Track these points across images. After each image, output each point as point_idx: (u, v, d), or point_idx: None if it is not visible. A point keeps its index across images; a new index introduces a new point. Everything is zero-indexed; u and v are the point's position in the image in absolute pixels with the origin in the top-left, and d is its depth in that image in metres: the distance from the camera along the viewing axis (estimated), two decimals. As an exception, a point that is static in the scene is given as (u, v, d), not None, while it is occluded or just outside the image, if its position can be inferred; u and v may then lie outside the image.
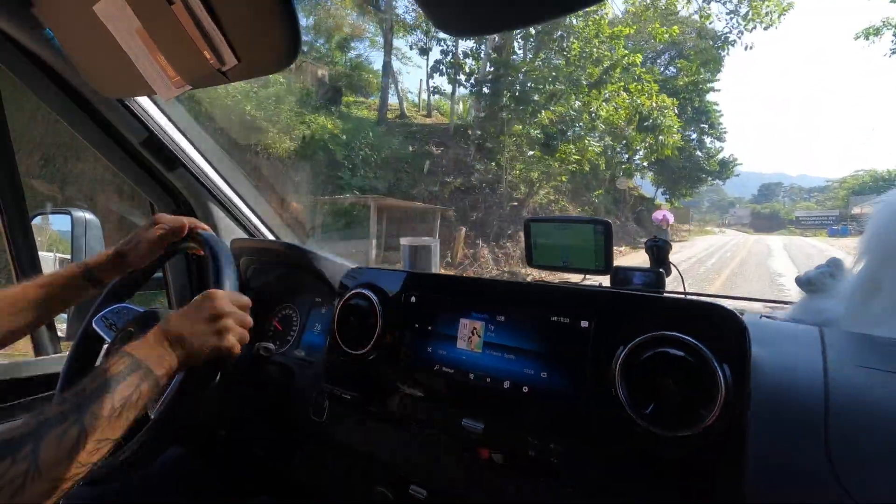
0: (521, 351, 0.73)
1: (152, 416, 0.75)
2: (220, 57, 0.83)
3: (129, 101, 1.20)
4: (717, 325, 0.59)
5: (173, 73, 0.91)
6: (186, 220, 0.91)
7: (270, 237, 1.53)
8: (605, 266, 1.06)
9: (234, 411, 1.00)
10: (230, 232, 1.43)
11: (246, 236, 1.47)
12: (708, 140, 27.28)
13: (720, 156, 28.41)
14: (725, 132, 27.31)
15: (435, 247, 1.25)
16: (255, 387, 1.04)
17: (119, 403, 0.54)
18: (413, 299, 0.87)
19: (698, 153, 26.85)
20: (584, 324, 0.68)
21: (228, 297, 0.73)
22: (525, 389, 0.71)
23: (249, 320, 0.75)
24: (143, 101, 1.23)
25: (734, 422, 0.56)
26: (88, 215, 1.44)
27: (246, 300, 0.76)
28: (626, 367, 0.62)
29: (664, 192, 28.87)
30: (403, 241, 1.25)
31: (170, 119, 1.28)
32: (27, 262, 1.24)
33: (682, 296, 1.03)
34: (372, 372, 0.89)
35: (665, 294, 0.96)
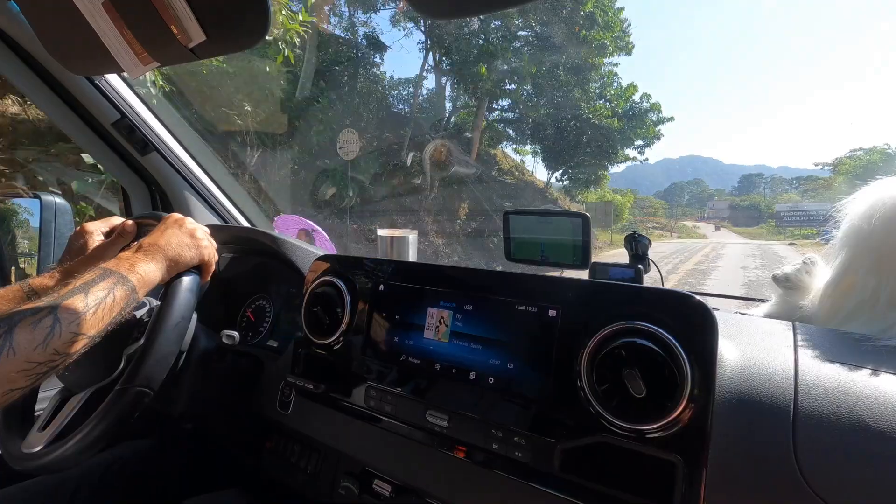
0: (487, 341, 0.71)
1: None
2: (187, 33, 0.81)
3: (100, 80, 1.17)
4: (685, 316, 0.57)
5: (140, 50, 0.88)
6: (117, 221, 0.91)
7: (246, 225, 1.49)
8: (584, 260, 1.04)
9: (201, 404, 0.97)
10: (204, 219, 1.39)
11: (220, 223, 1.43)
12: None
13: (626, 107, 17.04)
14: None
15: (413, 238, 1.22)
16: (223, 378, 1.01)
17: (93, 303, 0.57)
18: (381, 287, 0.84)
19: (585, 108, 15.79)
20: (552, 313, 0.66)
21: (186, 217, 0.80)
22: (490, 381, 0.69)
23: (213, 240, 0.83)
24: (115, 81, 1.19)
25: (698, 416, 0.54)
26: (59, 200, 1.40)
27: (203, 226, 0.83)
28: (593, 358, 0.60)
29: (560, 175, 19.06)
30: (381, 231, 1.22)
31: (142, 101, 1.25)
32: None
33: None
34: (338, 363, 0.86)
35: (636, 284, 0.94)
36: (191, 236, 0.75)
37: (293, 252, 1.11)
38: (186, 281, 0.76)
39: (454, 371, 0.72)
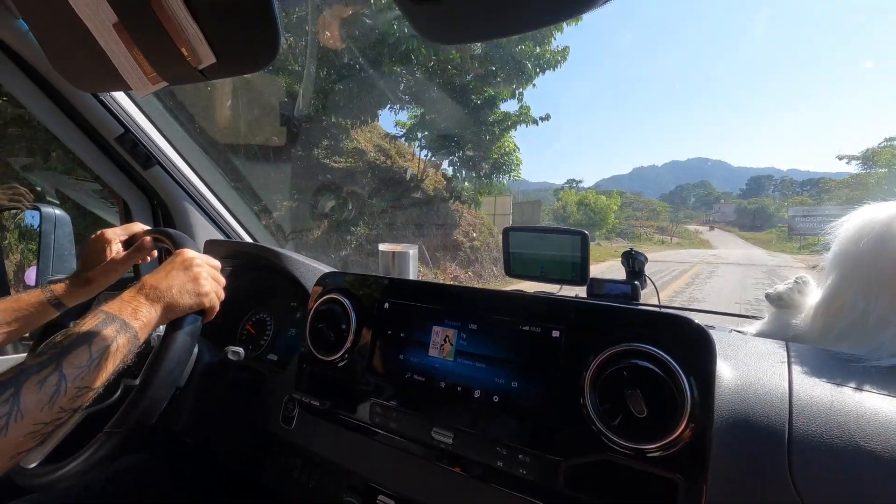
0: (492, 359, 0.73)
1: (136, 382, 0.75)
2: (197, 55, 0.82)
3: (104, 96, 1.18)
4: (685, 339, 0.60)
5: (149, 69, 0.89)
6: (138, 229, 0.90)
7: (248, 239, 1.50)
8: (582, 277, 1.07)
9: (203, 418, 0.97)
10: (206, 233, 1.40)
11: (222, 237, 1.44)
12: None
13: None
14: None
15: (414, 253, 1.24)
16: (225, 392, 1.02)
17: (96, 354, 0.56)
18: (386, 305, 0.86)
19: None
20: (556, 333, 0.68)
21: (197, 254, 0.77)
22: (495, 399, 0.71)
23: (222, 279, 0.79)
24: (119, 96, 1.21)
25: (698, 436, 0.56)
26: (58, 212, 1.40)
27: (216, 261, 0.80)
28: (596, 379, 0.62)
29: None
30: (382, 246, 1.24)
31: (146, 116, 1.26)
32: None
33: (656, 308, 1.04)
34: (343, 379, 0.87)
35: (637, 306, 0.97)
36: (194, 281, 0.73)
37: (296, 267, 1.12)
38: (187, 326, 0.75)
39: (459, 389, 0.74)
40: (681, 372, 0.57)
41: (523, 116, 11.75)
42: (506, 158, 12.23)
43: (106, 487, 1.01)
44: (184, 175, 1.34)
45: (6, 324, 0.79)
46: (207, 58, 0.87)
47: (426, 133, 11.98)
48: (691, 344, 0.59)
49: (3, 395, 0.48)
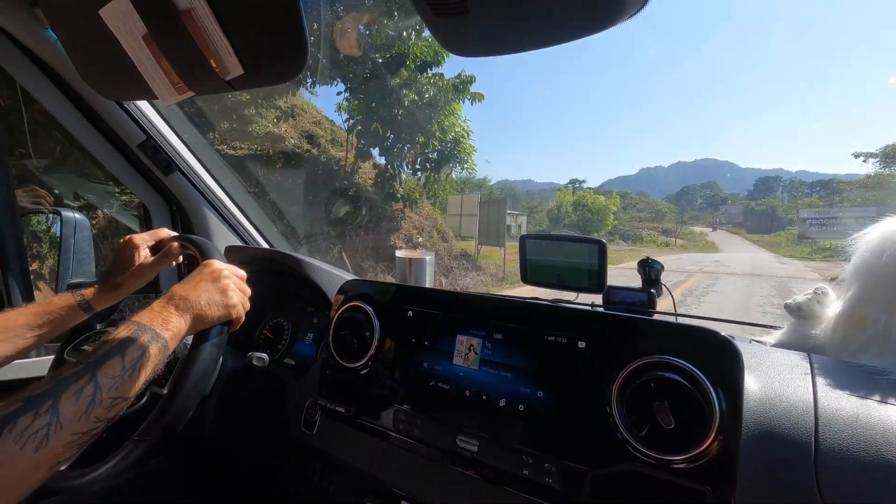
0: (517, 369, 0.74)
1: (164, 392, 0.76)
2: (225, 66, 0.84)
3: (128, 103, 1.20)
4: (712, 351, 0.61)
5: (177, 80, 0.91)
6: (165, 234, 0.92)
7: (264, 245, 1.52)
8: (599, 284, 1.08)
9: (225, 423, 0.99)
10: (224, 238, 1.42)
11: (240, 243, 1.46)
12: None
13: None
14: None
15: (431, 260, 1.25)
16: (247, 397, 1.03)
17: (129, 364, 0.57)
18: (410, 313, 0.87)
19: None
20: (581, 344, 0.69)
21: (224, 265, 0.78)
22: (521, 408, 0.72)
23: (248, 289, 0.81)
24: (142, 103, 1.22)
25: (726, 448, 0.57)
26: (78, 216, 1.42)
27: (241, 272, 0.81)
28: (623, 390, 0.63)
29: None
30: (399, 253, 1.25)
31: (168, 123, 1.28)
32: (14, 260, 1.21)
33: (674, 318, 1.05)
34: (366, 386, 0.88)
35: (660, 317, 0.97)
36: (222, 293, 0.74)
37: (317, 274, 1.14)
38: (213, 337, 0.76)
39: (484, 397, 0.75)
40: (708, 384, 0.58)
41: (460, 87, 9.40)
42: (454, 147, 9.95)
43: (129, 490, 1.03)
44: (202, 181, 1.36)
45: (38, 327, 0.80)
46: (235, 69, 0.89)
47: (359, 117, 9.56)
48: (718, 356, 0.60)
49: (44, 406, 0.48)
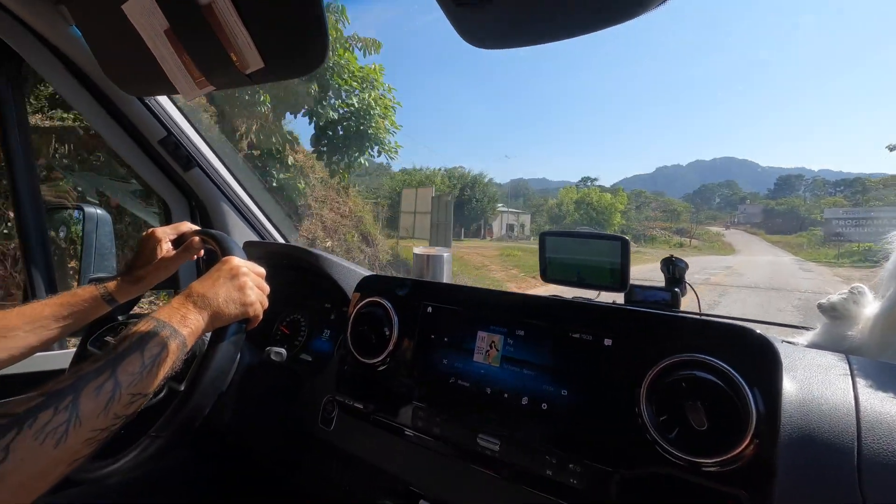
0: (540, 367, 0.72)
1: (181, 388, 0.75)
2: (245, 59, 0.84)
3: (149, 99, 1.21)
4: (747, 350, 0.58)
5: (198, 74, 0.91)
6: (186, 228, 0.92)
7: (280, 240, 1.52)
8: (622, 283, 1.05)
9: (242, 418, 0.99)
10: (242, 234, 1.42)
11: (257, 239, 1.46)
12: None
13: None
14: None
15: (448, 257, 1.24)
16: (264, 392, 1.03)
17: (149, 361, 0.57)
18: (429, 309, 0.86)
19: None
20: (607, 342, 0.67)
21: (244, 262, 0.77)
22: (544, 406, 0.70)
23: (266, 287, 0.80)
24: (163, 100, 1.23)
25: (763, 452, 0.54)
26: (100, 212, 1.44)
27: (261, 269, 0.80)
28: (652, 389, 0.61)
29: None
30: (416, 250, 1.24)
31: (188, 119, 1.29)
32: (39, 253, 1.23)
33: (699, 316, 1.02)
34: (384, 382, 0.87)
35: (691, 315, 0.95)
36: (240, 290, 0.73)
37: (334, 269, 1.13)
38: (231, 336, 0.75)
39: (506, 395, 0.74)
40: (744, 384, 0.56)
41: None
42: (361, 119, 7.10)
43: (146, 483, 1.03)
44: (221, 177, 1.36)
45: (62, 318, 0.81)
46: (255, 63, 0.89)
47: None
48: (754, 355, 0.57)
49: (64, 402, 0.48)
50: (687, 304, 1.08)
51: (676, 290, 1.06)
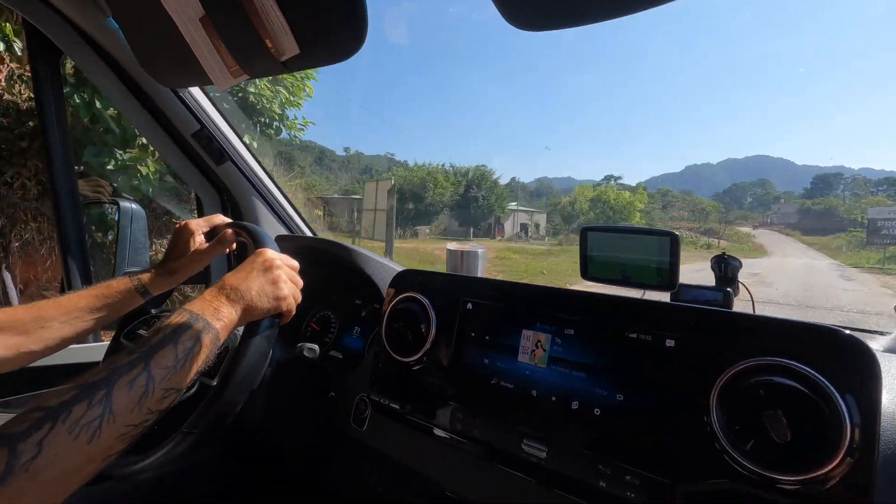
0: (592, 368, 0.67)
1: (213, 383, 0.76)
2: (281, 46, 0.81)
3: (183, 92, 1.20)
4: (837, 354, 0.52)
5: (232, 63, 0.90)
6: (219, 221, 0.90)
7: (308, 233, 1.51)
8: (670, 281, 0.99)
9: (273, 415, 0.97)
10: (272, 228, 1.41)
11: (286, 233, 1.45)
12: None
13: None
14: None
15: (483, 253, 1.19)
16: (293, 390, 1.01)
17: (182, 354, 0.55)
18: (469, 306, 0.81)
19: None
20: (669, 343, 0.61)
21: (277, 255, 0.75)
22: (597, 412, 0.65)
23: (300, 281, 0.78)
24: (197, 93, 1.23)
25: (858, 469, 0.48)
26: (134, 206, 1.45)
27: (294, 262, 0.78)
28: (724, 395, 0.55)
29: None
30: (450, 246, 1.20)
31: (220, 112, 1.28)
32: (76, 246, 1.25)
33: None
34: (421, 382, 0.83)
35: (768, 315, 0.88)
36: (273, 284, 0.71)
37: (368, 264, 1.10)
38: (264, 330, 0.73)
39: (553, 399, 0.68)
40: (835, 392, 0.49)
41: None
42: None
43: (175, 477, 1.02)
44: (253, 171, 1.35)
45: (97, 310, 0.80)
46: (291, 49, 0.86)
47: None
48: (846, 360, 0.51)
49: (97, 396, 0.46)
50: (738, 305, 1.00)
51: (729, 289, 0.99)
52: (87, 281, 1.25)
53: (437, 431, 0.80)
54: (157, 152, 2.91)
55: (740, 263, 1.04)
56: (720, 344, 0.58)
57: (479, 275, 1.20)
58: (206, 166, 1.32)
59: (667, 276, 0.99)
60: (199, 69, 0.91)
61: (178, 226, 0.89)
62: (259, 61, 0.87)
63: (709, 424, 0.55)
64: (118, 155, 2.89)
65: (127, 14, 0.98)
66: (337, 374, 1.07)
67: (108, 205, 1.52)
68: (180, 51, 0.89)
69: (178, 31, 0.87)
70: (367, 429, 0.93)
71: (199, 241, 0.88)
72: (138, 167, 3.14)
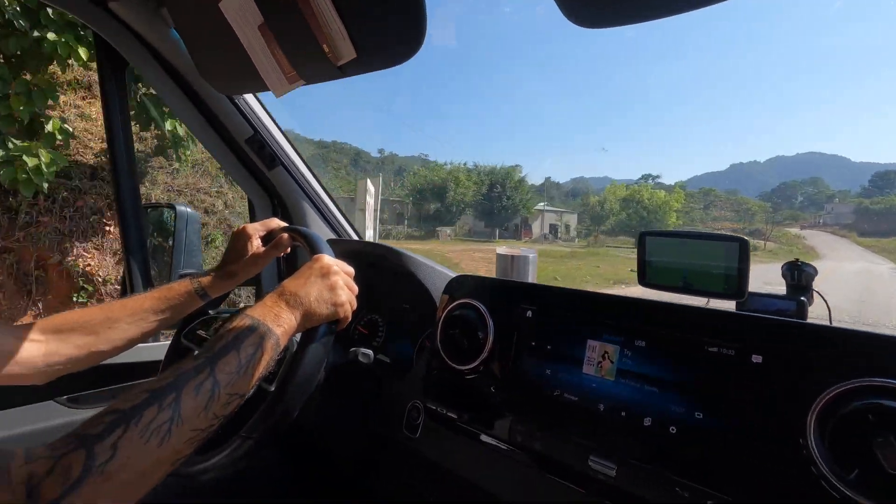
0: (666, 384, 0.63)
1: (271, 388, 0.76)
2: (338, 51, 0.81)
3: (238, 99, 1.23)
4: None
5: (289, 69, 0.91)
6: (275, 225, 0.91)
7: (355, 237, 1.52)
8: (738, 290, 0.93)
9: (324, 418, 0.97)
10: (321, 232, 1.43)
11: (334, 237, 1.46)
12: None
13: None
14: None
15: (534, 258, 1.16)
16: (345, 394, 1.01)
17: (245, 360, 0.56)
18: (529, 314, 0.79)
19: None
20: (756, 359, 0.57)
21: (334, 261, 0.75)
22: (672, 430, 0.61)
23: (355, 287, 0.77)
24: (251, 100, 1.26)
25: None
26: (189, 210, 1.50)
27: (350, 268, 0.78)
28: (825, 418, 0.50)
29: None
30: (500, 250, 1.18)
31: (273, 119, 1.30)
32: (137, 249, 1.30)
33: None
34: (477, 390, 0.81)
35: (871, 330, 0.81)
36: (331, 290, 0.71)
37: (420, 269, 1.09)
38: (321, 337, 0.73)
39: (623, 414, 0.65)
40: None
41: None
42: None
43: (232, 479, 1.04)
44: (303, 175, 1.37)
45: (160, 311, 0.82)
46: (348, 53, 0.86)
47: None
48: None
49: (167, 399, 0.47)
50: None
51: (803, 298, 0.92)
52: (148, 282, 1.30)
53: (495, 442, 0.78)
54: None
55: (815, 271, 0.97)
56: (817, 361, 0.53)
57: (531, 279, 1.17)
58: (258, 171, 1.35)
59: (735, 284, 0.93)
60: (255, 76, 0.93)
61: (235, 230, 0.91)
62: (315, 67, 0.87)
63: (805, 448, 0.51)
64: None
65: (188, 26, 1.01)
66: (386, 378, 1.07)
67: (164, 209, 1.58)
68: (238, 59, 0.91)
69: (237, 40, 0.89)
70: (419, 437, 0.91)
71: (256, 244, 0.89)
72: (25, 158, 2.62)
